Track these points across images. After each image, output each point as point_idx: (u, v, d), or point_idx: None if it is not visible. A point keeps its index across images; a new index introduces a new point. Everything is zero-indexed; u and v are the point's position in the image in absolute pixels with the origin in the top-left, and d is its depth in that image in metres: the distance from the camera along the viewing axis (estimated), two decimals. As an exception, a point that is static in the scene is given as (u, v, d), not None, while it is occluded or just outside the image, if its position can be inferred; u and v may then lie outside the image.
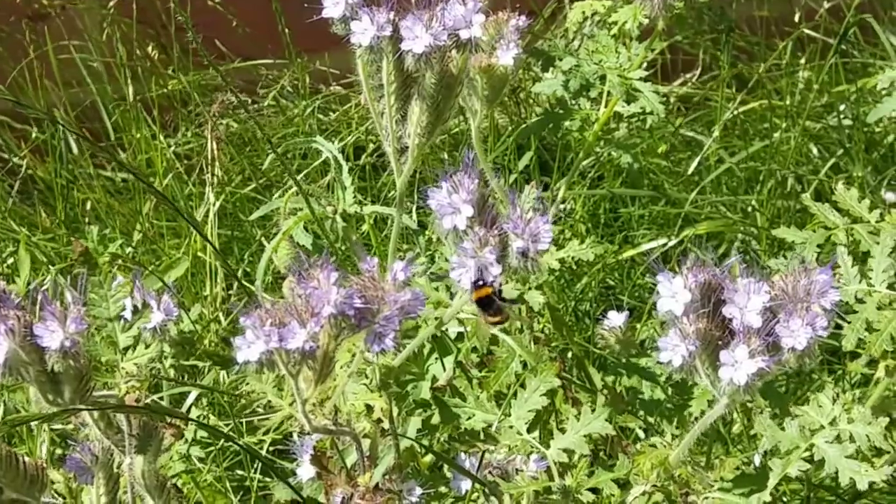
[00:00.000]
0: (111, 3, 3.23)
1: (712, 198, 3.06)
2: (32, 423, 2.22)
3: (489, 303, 1.65)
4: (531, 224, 1.59)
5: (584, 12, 2.31)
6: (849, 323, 1.91)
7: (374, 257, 1.62)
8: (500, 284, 1.64)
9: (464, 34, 1.74)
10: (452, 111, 1.86)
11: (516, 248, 1.59)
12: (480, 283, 1.61)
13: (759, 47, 3.42)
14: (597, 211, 3.10)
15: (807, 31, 3.44)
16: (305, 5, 1.78)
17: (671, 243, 2.87)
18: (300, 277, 1.55)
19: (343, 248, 2.26)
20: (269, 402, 1.75)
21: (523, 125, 2.65)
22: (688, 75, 3.53)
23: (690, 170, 3.09)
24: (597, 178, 3.12)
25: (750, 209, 3.04)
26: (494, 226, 1.61)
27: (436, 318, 1.82)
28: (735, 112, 3.28)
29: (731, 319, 1.57)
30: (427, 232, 2.30)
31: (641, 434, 2.41)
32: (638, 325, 2.70)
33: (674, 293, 1.59)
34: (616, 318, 2.10)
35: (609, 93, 2.27)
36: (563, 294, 2.88)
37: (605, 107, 2.28)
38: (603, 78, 2.22)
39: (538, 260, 1.61)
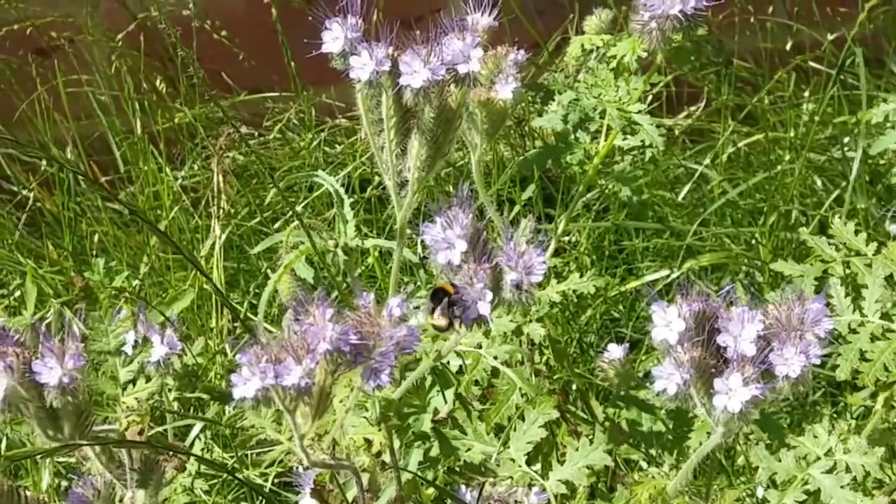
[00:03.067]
0: (119, 37, 3.26)
1: (716, 230, 3.07)
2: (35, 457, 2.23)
3: (438, 298, 1.66)
4: (525, 256, 1.61)
5: (583, 46, 2.33)
6: (842, 354, 1.93)
7: (371, 293, 1.63)
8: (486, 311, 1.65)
9: (462, 69, 1.76)
10: (452, 145, 1.87)
11: (510, 280, 1.61)
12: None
13: (763, 79, 3.43)
14: (601, 243, 3.12)
15: (811, 63, 3.46)
16: (305, 41, 1.80)
17: (674, 275, 2.88)
18: (297, 314, 1.57)
19: (345, 281, 2.27)
20: (269, 436, 1.76)
21: (524, 158, 2.67)
22: (692, 108, 3.54)
23: (682, 196, 3.10)
24: (602, 210, 3.14)
25: (753, 241, 3.05)
26: (489, 259, 1.62)
27: (435, 351, 1.84)
28: (738, 144, 3.30)
29: (725, 348, 1.59)
30: (429, 265, 2.31)
31: (645, 465, 2.41)
32: (642, 357, 2.71)
33: (668, 322, 1.61)
34: (615, 351, 2.11)
35: (609, 126, 2.29)
36: (567, 326, 2.89)
37: (606, 140, 2.29)
38: (603, 112, 2.24)
39: (532, 292, 1.63)
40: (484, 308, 1.61)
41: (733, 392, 1.56)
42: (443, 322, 1.67)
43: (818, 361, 1.56)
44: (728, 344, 1.58)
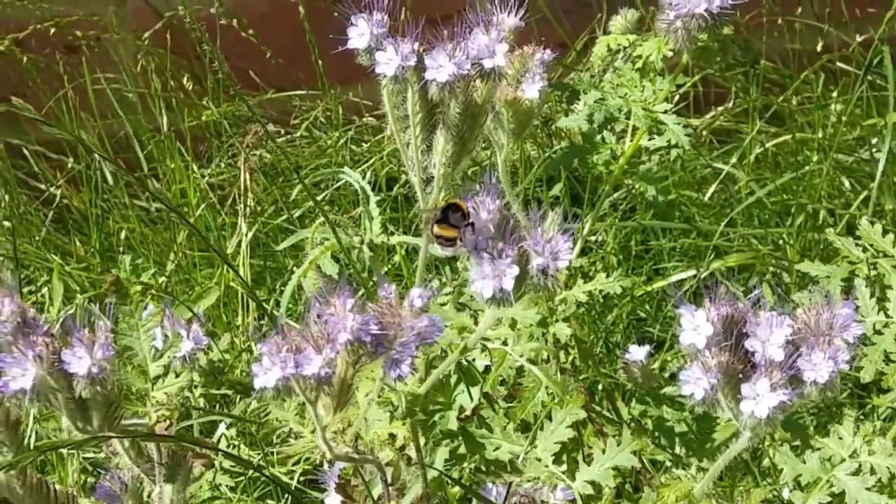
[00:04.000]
0: (145, 35, 3.28)
1: (743, 230, 3.08)
2: (63, 451, 2.25)
3: (451, 211, 1.66)
4: (551, 242, 1.61)
5: (609, 46, 2.34)
6: (867, 355, 1.94)
7: (395, 285, 1.65)
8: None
9: (487, 63, 1.77)
10: (477, 141, 1.88)
11: (536, 265, 1.61)
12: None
13: (791, 80, 3.44)
14: (628, 243, 3.13)
15: (839, 63, 3.46)
16: (331, 36, 1.82)
17: (701, 275, 2.89)
18: (319, 305, 1.59)
19: (370, 278, 2.29)
20: (293, 430, 1.78)
21: (550, 157, 2.68)
22: (720, 108, 3.55)
23: (708, 196, 3.11)
24: (628, 209, 3.15)
25: (781, 241, 3.06)
26: (516, 244, 1.63)
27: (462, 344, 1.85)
28: (766, 144, 3.31)
29: (753, 352, 1.59)
30: (456, 263, 2.33)
31: (671, 466, 2.42)
32: (668, 357, 2.72)
33: (696, 326, 1.61)
34: (637, 353, 2.13)
35: (635, 126, 2.30)
36: (593, 326, 2.91)
37: (631, 140, 2.31)
38: (628, 112, 2.25)
39: (558, 277, 1.63)
40: (508, 283, 1.60)
41: (761, 397, 1.57)
42: (451, 233, 1.67)
43: (847, 367, 1.57)
44: (756, 349, 1.58)
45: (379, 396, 1.77)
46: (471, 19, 1.80)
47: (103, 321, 1.61)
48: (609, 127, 2.27)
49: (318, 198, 3.16)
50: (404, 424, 1.82)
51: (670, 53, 2.20)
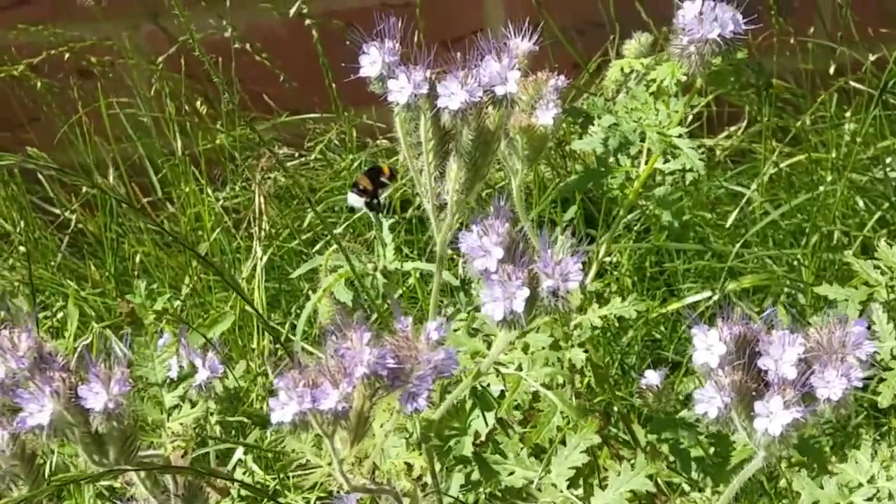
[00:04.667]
0: (159, 60, 3.29)
1: (757, 251, 3.07)
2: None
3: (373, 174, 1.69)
4: (561, 264, 1.62)
5: (622, 70, 2.34)
6: (885, 380, 1.93)
7: (409, 317, 1.65)
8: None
9: (499, 90, 1.77)
10: (490, 167, 1.88)
11: (546, 286, 1.62)
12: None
13: (804, 99, 3.44)
14: (643, 264, 3.13)
15: (852, 83, 3.46)
16: (343, 65, 1.82)
17: (716, 297, 2.89)
18: (335, 337, 1.59)
19: (385, 303, 2.30)
20: (309, 460, 1.78)
21: (565, 182, 2.69)
22: (733, 128, 3.55)
23: (730, 222, 3.11)
24: (643, 230, 3.15)
25: (795, 262, 3.06)
26: (526, 266, 1.63)
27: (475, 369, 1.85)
28: (780, 164, 3.31)
29: (766, 371, 1.59)
30: (469, 289, 2.33)
31: (688, 489, 2.42)
32: (684, 379, 2.72)
33: (709, 346, 1.62)
34: (653, 377, 2.13)
35: (649, 149, 2.30)
36: (608, 348, 2.90)
37: (645, 164, 2.31)
38: (643, 135, 2.25)
39: (568, 299, 1.64)
40: (518, 305, 1.61)
41: (774, 415, 1.57)
42: (368, 185, 1.70)
43: (860, 384, 1.57)
44: (769, 367, 1.59)
45: (393, 423, 1.77)
46: (483, 46, 1.80)
47: (120, 354, 1.61)
48: (624, 151, 2.27)
49: (333, 221, 3.16)
50: (421, 453, 1.82)
51: (684, 78, 2.20)
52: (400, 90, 1.77)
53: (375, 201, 1.71)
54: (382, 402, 1.61)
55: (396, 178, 1.70)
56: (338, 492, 1.80)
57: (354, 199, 1.75)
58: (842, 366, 1.58)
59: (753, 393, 1.61)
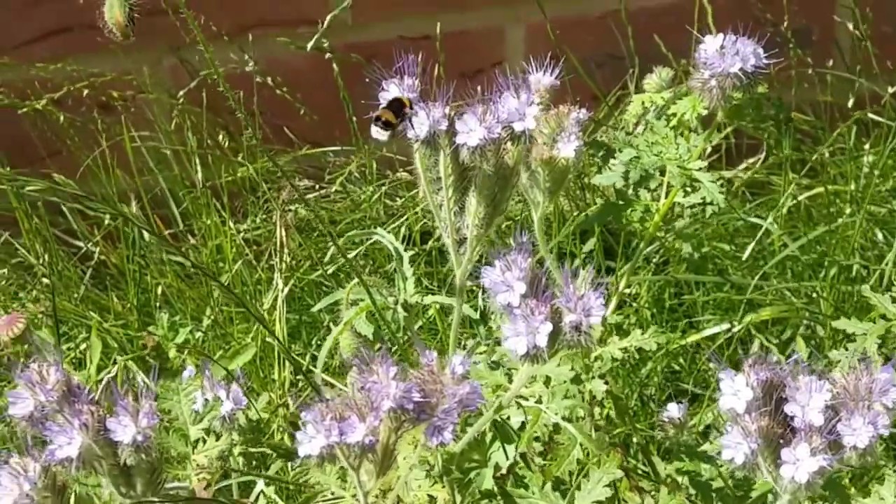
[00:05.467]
0: (181, 94, 3.31)
1: (776, 283, 3.08)
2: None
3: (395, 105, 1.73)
4: (583, 299, 1.63)
5: (643, 104, 2.36)
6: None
7: (434, 349, 1.66)
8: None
9: (518, 126, 1.79)
10: (509, 202, 1.90)
11: (568, 321, 1.63)
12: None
13: (823, 132, 3.45)
14: (662, 296, 3.14)
15: (871, 115, 3.47)
16: (363, 102, 1.84)
17: (735, 329, 2.90)
18: (361, 371, 1.61)
19: (405, 334, 2.31)
20: (333, 492, 1.79)
21: (585, 214, 2.71)
22: (752, 160, 3.56)
23: (748, 254, 3.12)
24: (662, 262, 3.16)
25: (814, 294, 3.06)
26: (548, 301, 1.64)
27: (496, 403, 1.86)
28: (799, 196, 3.31)
29: (793, 417, 1.60)
30: (488, 322, 2.34)
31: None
32: (705, 412, 2.72)
33: (736, 391, 1.63)
34: (674, 410, 2.14)
35: (669, 183, 2.31)
36: (628, 379, 2.91)
37: (666, 197, 2.32)
38: (663, 169, 2.26)
39: (591, 333, 1.65)
40: (541, 339, 1.62)
41: (801, 462, 1.58)
42: (391, 118, 1.73)
43: (886, 432, 1.58)
44: (796, 413, 1.59)
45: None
46: (502, 81, 1.81)
47: (146, 385, 1.63)
48: (644, 185, 2.28)
49: (353, 253, 3.18)
50: (443, 486, 1.83)
51: (705, 112, 2.21)
52: (419, 126, 1.79)
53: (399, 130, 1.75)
54: (406, 435, 1.62)
55: (413, 108, 1.74)
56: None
57: (378, 133, 1.78)
58: (868, 413, 1.59)
59: (780, 439, 1.62)
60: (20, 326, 2.20)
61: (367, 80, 1.85)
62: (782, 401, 1.61)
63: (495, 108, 1.77)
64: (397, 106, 1.76)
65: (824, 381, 1.59)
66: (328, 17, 2.58)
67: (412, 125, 1.78)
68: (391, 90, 1.83)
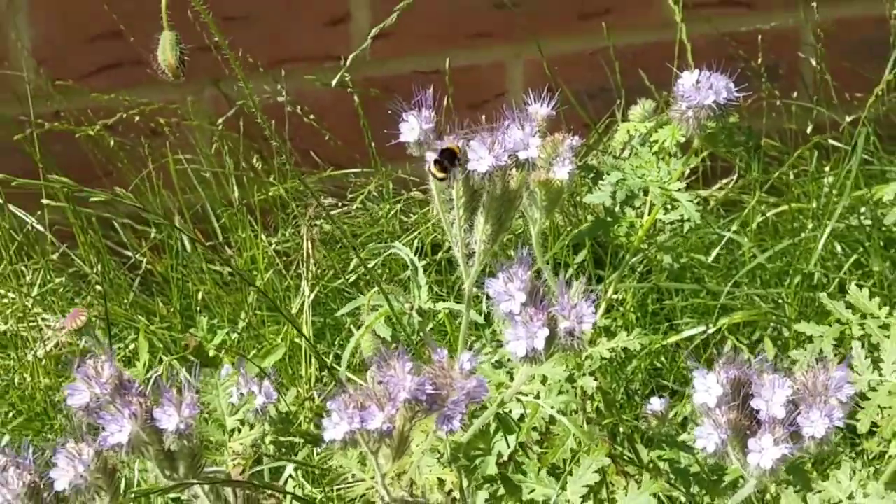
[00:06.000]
0: (220, 121, 3.33)
1: (747, 290, 3.09)
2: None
3: (446, 156, 1.74)
4: (576, 307, 1.65)
5: (628, 132, 2.37)
6: (863, 409, 1.95)
7: (445, 348, 1.67)
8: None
9: (522, 155, 1.80)
10: (513, 220, 1.91)
11: (563, 328, 1.65)
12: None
13: (789, 156, 3.46)
14: (645, 301, 3.14)
15: (831, 141, 3.48)
16: (385, 131, 1.85)
17: (710, 330, 2.91)
18: (380, 367, 1.62)
19: (418, 335, 2.32)
20: (354, 475, 1.80)
21: (577, 229, 2.71)
22: (725, 180, 3.57)
23: (722, 264, 3.12)
24: (646, 272, 3.17)
25: (780, 300, 3.07)
26: (545, 310, 1.66)
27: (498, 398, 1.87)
28: (767, 213, 3.32)
29: (758, 411, 1.62)
30: (492, 325, 2.35)
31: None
32: (683, 406, 2.73)
33: (708, 388, 1.65)
34: (657, 404, 2.15)
35: (652, 202, 2.32)
36: (615, 376, 2.92)
37: (649, 214, 2.33)
38: (646, 190, 2.27)
39: (583, 338, 1.66)
40: (539, 343, 1.64)
41: (765, 451, 1.60)
42: (441, 174, 1.75)
43: (841, 424, 1.60)
44: (761, 407, 1.62)
45: (426, 444, 1.79)
46: (507, 113, 1.82)
47: (188, 380, 1.64)
48: (630, 203, 2.29)
49: (372, 263, 3.19)
50: (452, 470, 1.84)
51: (683, 139, 2.22)
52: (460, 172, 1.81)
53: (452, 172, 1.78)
54: (419, 424, 1.64)
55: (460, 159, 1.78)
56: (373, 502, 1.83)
57: (436, 175, 1.81)
58: (825, 407, 1.61)
59: (747, 431, 1.64)
60: (83, 319, 2.24)
61: (388, 111, 1.86)
62: (749, 396, 1.63)
63: (502, 139, 1.79)
64: (450, 155, 1.78)
65: (786, 379, 1.61)
66: (350, 56, 2.58)
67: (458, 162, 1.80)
68: (410, 121, 1.84)
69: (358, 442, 1.60)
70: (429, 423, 1.65)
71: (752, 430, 1.63)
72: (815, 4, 3.37)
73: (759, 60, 3.41)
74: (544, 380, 2.12)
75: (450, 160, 1.79)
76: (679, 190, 2.25)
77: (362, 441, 1.60)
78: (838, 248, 3.23)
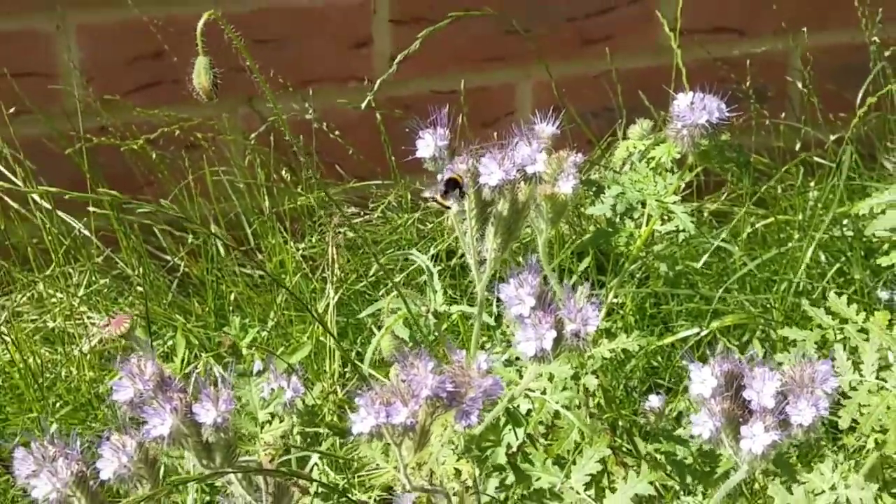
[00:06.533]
0: (252, 136, 3.34)
1: (737, 296, 3.09)
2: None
3: (451, 186, 1.75)
4: (582, 311, 1.66)
5: (628, 149, 2.37)
6: (844, 406, 1.96)
7: (462, 349, 1.68)
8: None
9: (530, 169, 1.82)
10: (521, 230, 1.92)
11: (569, 330, 1.66)
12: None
13: (777, 171, 3.46)
14: (643, 305, 3.15)
15: (816, 158, 3.48)
16: (403, 148, 1.86)
17: (703, 333, 2.91)
18: (403, 366, 1.63)
19: (433, 335, 2.32)
20: (378, 465, 1.81)
21: (580, 239, 2.72)
22: (717, 193, 3.57)
23: (714, 271, 3.12)
24: (644, 278, 3.17)
25: (768, 305, 3.07)
26: (553, 313, 1.67)
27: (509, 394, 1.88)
28: (756, 225, 3.33)
29: (750, 401, 1.63)
30: (503, 327, 2.36)
31: (680, 493, 2.43)
32: (680, 402, 2.73)
33: (703, 380, 1.66)
34: (655, 401, 2.16)
35: (649, 213, 2.33)
36: (615, 374, 2.92)
37: (646, 225, 2.33)
38: (644, 202, 2.28)
39: (588, 340, 1.67)
40: (547, 344, 1.66)
41: (756, 437, 1.61)
42: (447, 203, 1.80)
43: (826, 413, 1.61)
44: (752, 398, 1.62)
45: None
46: (516, 131, 1.83)
47: (224, 378, 1.65)
48: (629, 215, 2.30)
49: (391, 267, 3.19)
50: (468, 462, 1.85)
51: (678, 155, 2.23)
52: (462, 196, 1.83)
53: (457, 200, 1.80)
54: (439, 418, 1.64)
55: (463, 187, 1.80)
56: (397, 491, 1.83)
57: (442, 206, 1.83)
58: (811, 397, 1.62)
59: (739, 419, 1.65)
60: (127, 325, 2.25)
61: (406, 129, 1.87)
62: (741, 388, 1.64)
63: (511, 154, 1.80)
64: (453, 185, 1.80)
65: (775, 372, 1.62)
66: (378, 81, 2.59)
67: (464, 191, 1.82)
68: (426, 139, 1.85)
69: (383, 435, 1.61)
70: (447, 417, 1.66)
71: (744, 418, 1.64)
72: (805, 30, 3.38)
73: (749, 83, 3.42)
74: (551, 377, 2.12)
75: (453, 190, 1.80)
76: (675, 202, 2.26)
77: (387, 434, 1.61)
78: (822, 258, 3.23)
